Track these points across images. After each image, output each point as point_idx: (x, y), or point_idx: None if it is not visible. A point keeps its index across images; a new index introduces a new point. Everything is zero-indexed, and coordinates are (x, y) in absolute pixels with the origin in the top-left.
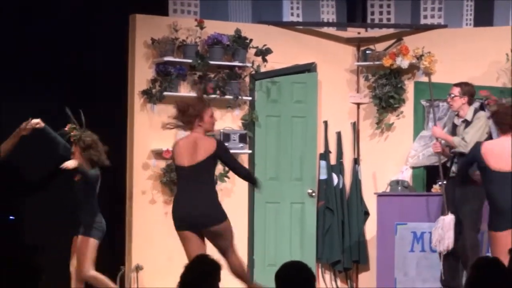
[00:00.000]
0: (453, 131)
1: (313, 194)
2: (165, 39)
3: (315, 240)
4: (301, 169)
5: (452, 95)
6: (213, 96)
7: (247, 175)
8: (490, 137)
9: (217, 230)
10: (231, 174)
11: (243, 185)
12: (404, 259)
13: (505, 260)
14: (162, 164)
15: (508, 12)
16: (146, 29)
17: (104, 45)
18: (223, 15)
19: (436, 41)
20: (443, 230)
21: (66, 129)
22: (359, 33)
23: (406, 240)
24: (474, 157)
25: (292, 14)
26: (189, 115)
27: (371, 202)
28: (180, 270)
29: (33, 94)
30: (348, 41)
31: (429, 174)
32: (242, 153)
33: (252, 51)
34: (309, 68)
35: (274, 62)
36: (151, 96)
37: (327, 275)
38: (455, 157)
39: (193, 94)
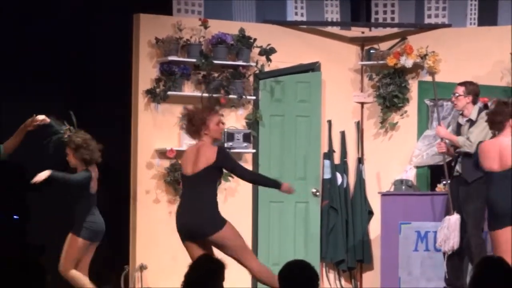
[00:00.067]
0: (458, 130)
1: (317, 193)
2: (169, 38)
3: (319, 239)
4: (305, 168)
5: (457, 94)
6: (217, 95)
7: (256, 179)
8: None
9: (214, 240)
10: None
11: (247, 184)
12: (408, 259)
13: (508, 258)
14: (166, 163)
15: None
16: (150, 29)
17: (108, 45)
18: (227, 14)
19: (440, 41)
20: (449, 230)
21: (62, 131)
22: (363, 32)
23: (410, 239)
24: (475, 157)
25: (296, 14)
26: (194, 124)
27: (375, 202)
28: (184, 269)
29: (33, 94)
30: (352, 40)
31: (433, 174)
32: (246, 153)
33: (256, 51)
34: (313, 68)
35: (278, 62)
36: (155, 96)
37: (331, 275)
38: (459, 157)
39: (197, 93)
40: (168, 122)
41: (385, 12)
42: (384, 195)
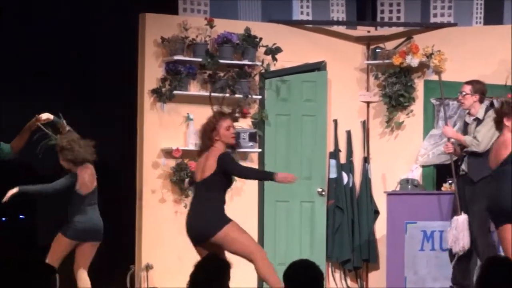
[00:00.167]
0: (465, 129)
1: (323, 193)
2: (175, 38)
3: (325, 239)
4: (311, 167)
5: (464, 93)
6: (223, 95)
7: (257, 175)
8: None
9: (217, 241)
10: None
11: (253, 184)
12: (414, 258)
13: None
14: (172, 163)
15: None
16: (156, 28)
17: (113, 44)
18: (233, 14)
19: (446, 40)
20: (457, 231)
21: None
22: (369, 31)
23: (416, 238)
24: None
25: (301, 13)
26: (205, 131)
27: (381, 201)
28: (190, 269)
29: (33, 94)
30: (358, 39)
31: (439, 173)
32: (252, 152)
33: (262, 50)
34: (319, 67)
35: (284, 61)
36: (161, 95)
37: (337, 274)
38: (465, 156)
39: (203, 93)
40: (174, 122)
41: (391, 11)
42: (390, 194)
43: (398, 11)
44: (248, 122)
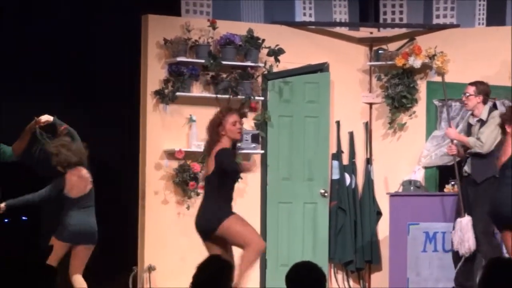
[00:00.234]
0: (468, 130)
1: (326, 194)
2: (177, 39)
3: (328, 240)
4: (314, 169)
5: (467, 94)
6: (226, 96)
7: (229, 168)
8: None
9: (220, 234)
10: (243, 174)
11: (256, 185)
12: (417, 259)
13: None
14: (175, 164)
15: None
16: (158, 30)
17: (115, 45)
18: (236, 15)
19: (449, 41)
20: (462, 232)
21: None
22: (371, 33)
23: (419, 240)
24: None
25: (304, 14)
26: (212, 126)
27: (383, 202)
28: (193, 270)
29: (33, 94)
30: (360, 41)
31: (441, 174)
32: (255, 153)
33: (264, 51)
34: (322, 68)
35: (286, 62)
36: (163, 97)
37: (340, 275)
38: (468, 157)
39: (205, 94)
40: (176, 123)
41: (393, 13)
42: (392, 195)
43: (401, 12)
44: (251, 124)
